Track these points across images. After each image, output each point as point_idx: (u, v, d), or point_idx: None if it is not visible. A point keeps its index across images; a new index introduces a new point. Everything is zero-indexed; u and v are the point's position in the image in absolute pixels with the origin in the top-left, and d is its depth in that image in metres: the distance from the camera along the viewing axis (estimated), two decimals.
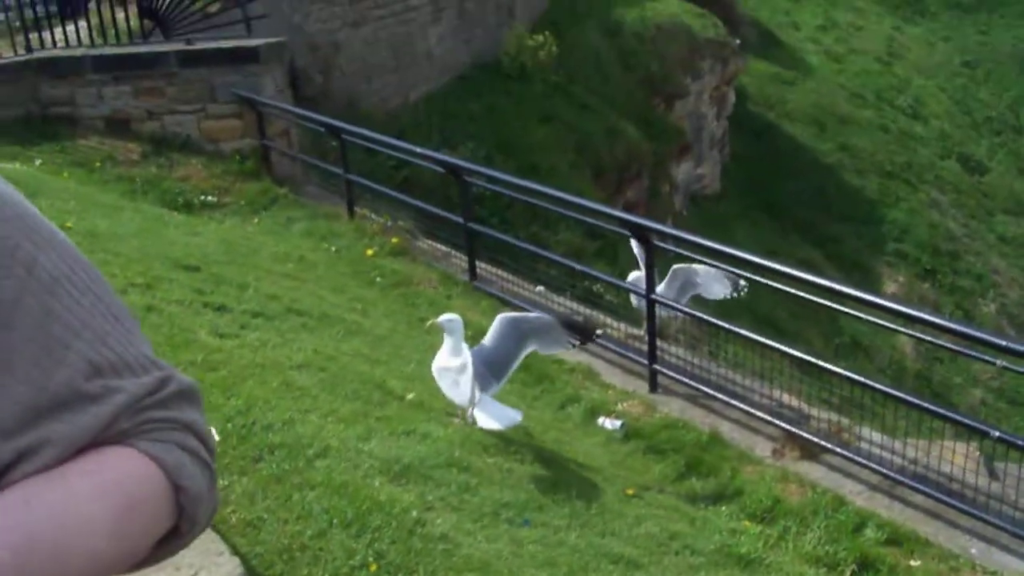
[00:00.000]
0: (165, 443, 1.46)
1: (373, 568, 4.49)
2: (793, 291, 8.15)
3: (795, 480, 7.68)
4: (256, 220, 12.67)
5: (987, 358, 7.49)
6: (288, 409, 6.03)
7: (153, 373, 1.46)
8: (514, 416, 6.78)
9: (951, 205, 48.24)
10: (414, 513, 5.05)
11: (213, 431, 5.38)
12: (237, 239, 11.27)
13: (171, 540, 1.50)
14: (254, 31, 14.47)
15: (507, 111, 22.81)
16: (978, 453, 8.29)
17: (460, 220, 10.93)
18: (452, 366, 6.89)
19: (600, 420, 8.34)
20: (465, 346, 6.96)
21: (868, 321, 8.47)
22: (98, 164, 13.32)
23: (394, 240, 11.85)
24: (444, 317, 7.15)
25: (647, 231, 8.78)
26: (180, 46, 14.17)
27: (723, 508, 7.25)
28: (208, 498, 1.53)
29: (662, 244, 9.00)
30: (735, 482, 7.61)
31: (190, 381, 1.53)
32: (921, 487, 7.54)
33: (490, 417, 6.74)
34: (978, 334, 7.32)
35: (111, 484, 1.37)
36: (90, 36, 14.64)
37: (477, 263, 11.01)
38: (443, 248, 12.02)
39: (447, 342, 7.02)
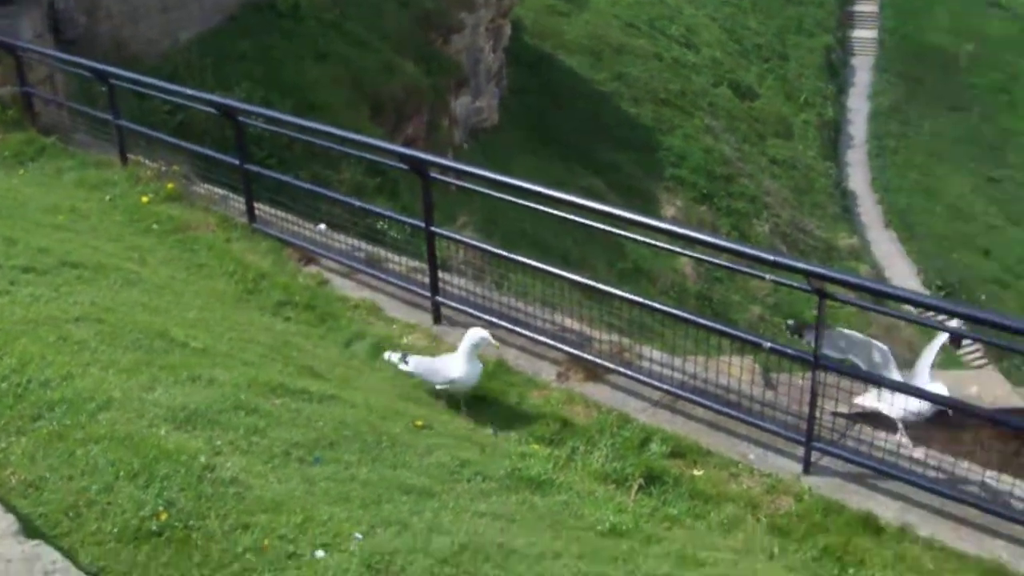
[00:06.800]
0: None
1: (164, 517, 4.44)
2: (577, 219, 8.31)
3: (581, 402, 7.89)
4: (22, 171, 12.15)
5: (759, 274, 7.83)
6: (66, 364, 5.87)
7: None
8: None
9: (724, 130, 49.78)
10: (202, 459, 5.00)
11: None
12: (1, 192, 10.81)
13: None
14: None
15: (282, 50, 22.44)
16: (755, 365, 8.68)
17: (236, 162, 10.72)
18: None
19: (386, 354, 8.38)
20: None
21: (650, 245, 8.73)
22: None
23: (170, 186, 11.55)
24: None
25: (426, 165, 8.80)
26: None
27: (512, 433, 7.41)
28: None
29: (442, 177, 9.04)
30: (522, 407, 7.78)
31: None
32: (702, 400, 7.87)
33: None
34: (749, 251, 7.64)
35: None
36: None
37: (256, 205, 10.84)
38: (221, 192, 11.78)
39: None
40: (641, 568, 5.49)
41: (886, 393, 7.61)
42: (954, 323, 8.40)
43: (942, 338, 7.88)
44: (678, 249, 8.84)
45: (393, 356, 8.22)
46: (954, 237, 54.12)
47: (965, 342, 43.29)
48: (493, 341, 7.73)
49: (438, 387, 7.77)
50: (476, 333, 7.67)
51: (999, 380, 11.04)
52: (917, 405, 7.42)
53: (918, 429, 7.76)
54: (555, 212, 8.37)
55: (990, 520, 6.89)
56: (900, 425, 7.65)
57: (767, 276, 7.79)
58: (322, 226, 10.60)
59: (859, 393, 7.78)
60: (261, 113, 11.41)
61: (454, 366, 7.64)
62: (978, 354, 40.71)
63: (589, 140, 39.46)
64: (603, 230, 8.43)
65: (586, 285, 8.59)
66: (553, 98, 40.75)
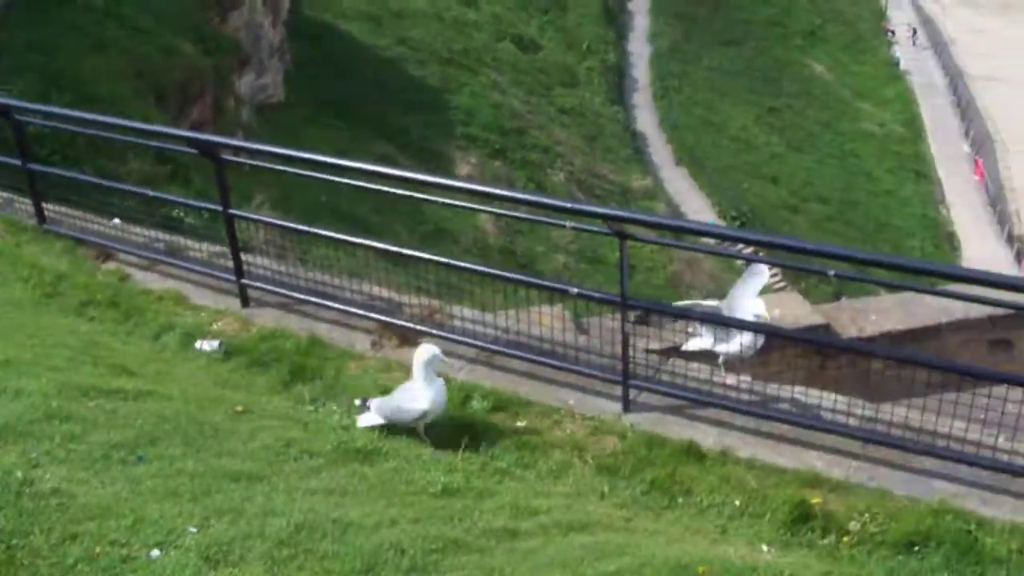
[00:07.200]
0: None
1: None
2: (375, 186, 8.31)
3: (398, 368, 7.92)
4: None
5: (559, 222, 7.97)
6: None
7: None
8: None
9: (511, 84, 50.21)
10: (19, 473, 4.87)
11: None
12: None
13: None
14: None
15: (56, 42, 21.66)
16: (565, 313, 8.85)
17: (18, 163, 10.32)
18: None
19: (198, 344, 8.25)
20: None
21: (449, 205, 8.80)
22: None
23: None
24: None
25: (216, 147, 8.65)
26: None
27: (334, 407, 7.38)
28: None
29: (234, 159, 8.93)
30: (341, 380, 7.76)
31: None
32: (517, 352, 7.97)
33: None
34: (548, 200, 7.76)
35: None
36: None
37: (45, 205, 10.47)
38: (4, 195, 11.33)
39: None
40: (478, 524, 5.58)
41: (717, 334, 7.79)
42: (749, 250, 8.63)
43: (762, 277, 8.01)
44: (480, 207, 8.93)
45: (205, 345, 8.09)
46: (742, 168, 55.92)
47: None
48: (444, 358, 7.10)
49: (410, 423, 7.12)
50: (425, 351, 7.06)
51: (799, 300, 11.49)
52: (748, 339, 7.61)
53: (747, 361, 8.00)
54: (352, 182, 8.36)
55: (803, 433, 7.22)
56: (721, 360, 7.87)
57: (568, 224, 7.94)
58: (116, 220, 10.32)
59: (667, 329, 7.98)
60: (39, 110, 11.00)
61: (418, 396, 6.98)
62: (777, 278, 42.21)
63: (378, 107, 39.30)
64: (401, 195, 8.45)
65: (391, 251, 8.62)
66: (338, 68, 40.40)
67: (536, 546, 5.45)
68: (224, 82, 28.77)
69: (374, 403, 7.10)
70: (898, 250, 47.51)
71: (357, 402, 7.26)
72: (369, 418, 7.10)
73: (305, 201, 24.22)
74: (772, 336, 7.78)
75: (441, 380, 7.08)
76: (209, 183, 9.40)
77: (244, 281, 8.94)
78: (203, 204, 9.53)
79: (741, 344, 7.58)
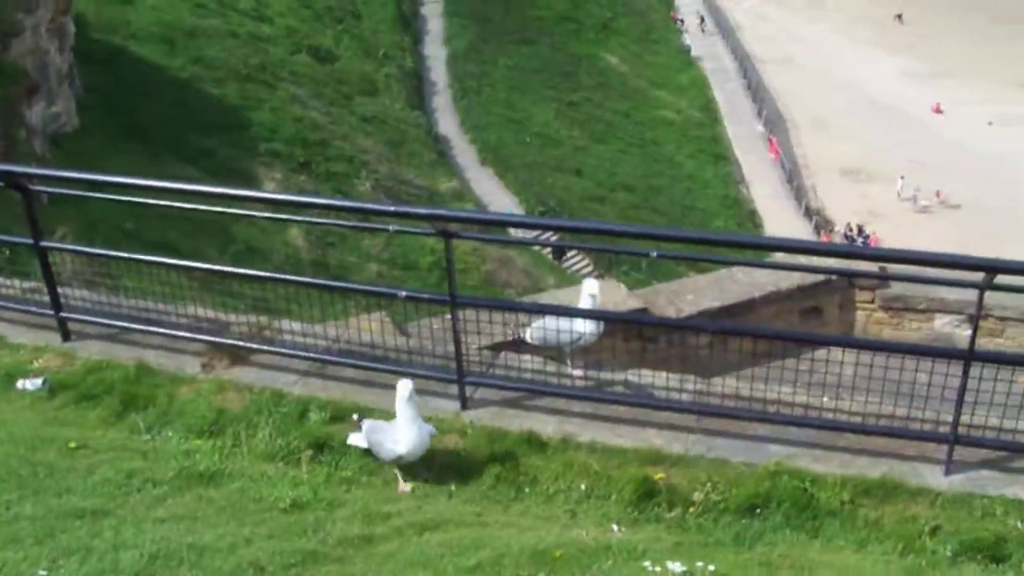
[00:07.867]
0: None
1: None
2: (183, 205, 8.19)
3: (231, 387, 7.81)
4: None
5: (384, 226, 7.99)
6: None
7: None
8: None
9: (311, 96, 49.91)
10: None
11: None
12: None
13: None
14: None
15: None
16: (388, 318, 8.88)
17: None
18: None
19: (19, 383, 7.94)
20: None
21: (261, 219, 8.72)
22: None
23: None
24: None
25: (18, 177, 8.35)
26: None
27: (171, 434, 7.24)
28: None
29: (52, 189, 8.74)
30: (175, 406, 7.60)
31: None
32: (349, 361, 7.96)
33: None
34: (373, 206, 7.79)
35: None
36: None
37: None
38: None
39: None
40: (332, 534, 5.57)
41: (548, 323, 7.88)
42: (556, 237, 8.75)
43: (591, 286, 8.05)
44: (300, 218, 8.86)
45: (27, 384, 7.83)
46: (547, 163, 56.79)
47: (570, 253, 45.72)
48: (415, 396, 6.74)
49: (385, 463, 6.89)
50: (406, 387, 6.72)
51: (615, 286, 11.75)
52: (591, 325, 7.71)
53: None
54: (175, 204, 8.22)
55: (640, 413, 7.41)
56: (568, 351, 7.96)
57: (391, 227, 7.98)
58: None
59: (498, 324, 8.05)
60: None
61: (398, 439, 6.68)
62: (587, 265, 43.02)
63: (178, 129, 38.55)
64: (211, 216, 8.35)
65: (222, 272, 8.54)
66: (133, 93, 39.42)
67: (393, 549, 5.48)
68: (13, 113, 27.84)
69: (365, 425, 6.90)
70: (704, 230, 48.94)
71: (355, 417, 7.05)
72: (357, 439, 6.96)
73: (109, 230, 23.62)
74: (608, 321, 7.96)
75: (424, 423, 6.81)
76: (7, 217, 9.07)
77: (63, 314, 8.64)
78: (11, 238, 9.18)
79: (584, 330, 7.69)
